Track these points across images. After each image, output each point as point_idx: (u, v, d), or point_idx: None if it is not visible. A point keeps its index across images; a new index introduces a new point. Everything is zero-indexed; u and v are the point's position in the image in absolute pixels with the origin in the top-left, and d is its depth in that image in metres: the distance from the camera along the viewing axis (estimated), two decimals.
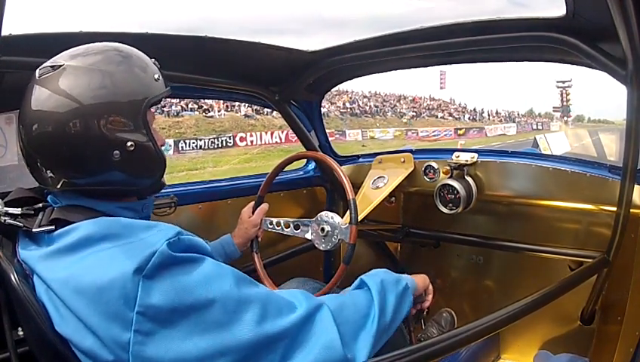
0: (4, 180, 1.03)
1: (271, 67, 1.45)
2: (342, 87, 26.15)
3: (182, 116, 20.07)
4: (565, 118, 34.13)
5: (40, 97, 0.68)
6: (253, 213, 1.31)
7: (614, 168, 1.31)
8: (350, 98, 29.10)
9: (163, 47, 0.81)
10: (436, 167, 1.54)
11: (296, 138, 1.73)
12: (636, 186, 1.17)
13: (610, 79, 1.04)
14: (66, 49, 0.73)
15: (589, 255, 1.34)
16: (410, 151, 1.64)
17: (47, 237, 0.69)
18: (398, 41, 1.29)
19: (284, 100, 1.60)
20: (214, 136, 19.44)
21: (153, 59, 0.78)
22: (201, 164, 16.15)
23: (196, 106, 20.70)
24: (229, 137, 19.78)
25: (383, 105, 30.66)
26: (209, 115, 21.02)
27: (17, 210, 0.73)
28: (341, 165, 1.47)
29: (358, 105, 28.87)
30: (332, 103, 26.96)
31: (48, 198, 0.76)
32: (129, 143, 0.71)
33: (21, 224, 0.71)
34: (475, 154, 1.48)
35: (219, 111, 21.26)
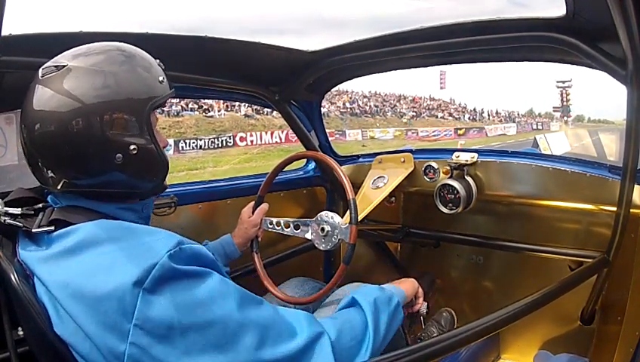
0: (4, 180, 1.03)
1: (271, 67, 1.45)
2: (342, 87, 26.17)
3: (182, 116, 20.07)
4: (565, 118, 34.12)
5: (42, 97, 0.68)
6: (253, 213, 1.31)
7: (614, 168, 1.31)
8: (350, 98, 29.10)
9: (163, 47, 0.81)
10: (436, 167, 1.54)
11: (296, 138, 1.73)
12: (636, 186, 1.17)
13: (610, 79, 1.04)
14: (66, 49, 0.73)
15: (589, 255, 1.34)
16: (410, 151, 1.64)
17: (46, 237, 0.69)
18: (398, 41, 1.29)
19: (284, 100, 1.60)
20: (214, 135, 19.43)
21: (158, 60, 0.78)
22: (201, 164, 16.15)
23: (196, 106, 20.70)
24: (229, 137, 19.77)
25: (383, 105, 30.65)
26: (209, 114, 21.02)
27: (17, 210, 0.72)
28: (341, 165, 1.47)
29: (358, 105, 28.86)
30: (332, 103, 26.96)
31: (48, 198, 0.76)
32: (132, 146, 0.70)
33: (21, 224, 0.71)
34: (475, 154, 1.48)
35: (219, 111, 21.25)
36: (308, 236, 1.25)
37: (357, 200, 1.19)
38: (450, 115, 33.73)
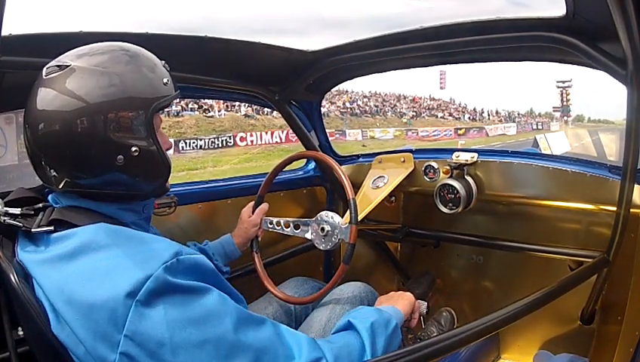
0: (4, 180, 1.04)
1: (271, 67, 1.45)
2: (342, 87, 26.17)
3: (182, 116, 20.08)
4: (565, 118, 34.11)
5: (46, 97, 0.68)
6: (253, 212, 1.31)
7: (614, 168, 1.31)
8: (350, 98, 29.10)
9: (163, 47, 0.81)
10: (436, 167, 1.54)
11: (296, 138, 1.73)
12: (636, 186, 1.17)
13: (610, 79, 1.04)
14: (67, 49, 0.73)
15: (589, 255, 1.34)
16: (410, 150, 1.64)
17: (45, 238, 0.69)
18: (398, 41, 1.29)
19: (284, 100, 1.60)
20: (214, 135, 19.44)
21: (163, 62, 0.77)
22: (201, 164, 16.15)
23: (196, 106, 20.71)
24: (229, 137, 19.78)
25: (383, 105, 30.66)
26: (209, 114, 21.02)
27: (17, 210, 0.72)
28: (341, 165, 1.47)
29: (358, 105, 28.87)
30: (332, 103, 26.96)
31: (49, 198, 0.76)
32: (133, 148, 0.70)
33: (21, 224, 0.71)
34: (475, 154, 1.48)
35: (219, 111, 21.26)
36: (308, 236, 1.25)
37: (357, 200, 1.19)
38: (450, 114, 33.73)
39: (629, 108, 1.02)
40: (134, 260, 0.61)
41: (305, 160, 1.86)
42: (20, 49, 0.90)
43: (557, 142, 14.66)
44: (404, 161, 1.60)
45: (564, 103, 33.50)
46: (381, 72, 1.57)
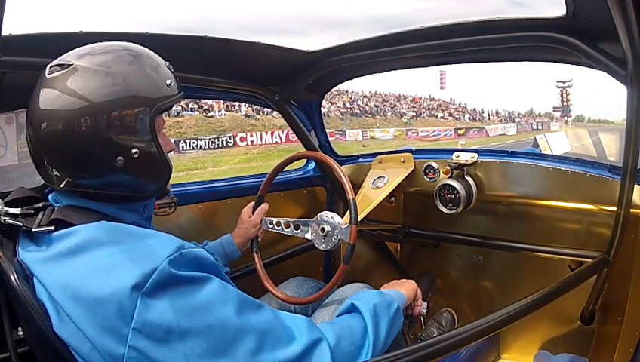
0: (4, 180, 1.03)
1: (271, 67, 1.45)
2: (342, 87, 26.15)
3: (182, 116, 20.08)
4: (565, 118, 34.11)
5: (49, 96, 0.68)
6: (253, 213, 1.31)
7: (614, 168, 1.31)
8: (350, 98, 29.10)
9: (163, 47, 0.81)
10: (436, 167, 1.54)
11: (296, 138, 1.73)
12: (636, 186, 1.17)
13: (610, 79, 1.04)
14: (67, 49, 0.73)
15: (589, 255, 1.34)
16: (410, 151, 1.64)
17: (47, 237, 0.69)
18: (398, 41, 1.29)
19: (284, 100, 1.60)
20: (215, 135, 19.45)
21: (167, 63, 0.77)
22: (201, 164, 16.15)
23: (196, 106, 20.71)
24: (230, 137, 19.79)
25: (383, 105, 30.66)
26: (209, 114, 21.02)
27: (17, 210, 0.72)
28: (341, 165, 1.47)
29: (358, 105, 28.87)
30: (332, 103, 26.97)
31: (49, 197, 0.76)
32: (133, 150, 0.70)
33: (21, 224, 0.71)
34: (475, 154, 1.48)
35: (219, 111, 21.26)
36: (308, 236, 1.25)
37: (357, 200, 1.19)
38: (451, 114, 33.74)
39: (629, 108, 1.02)
40: (138, 254, 0.62)
41: (305, 160, 1.86)
42: (20, 49, 0.89)
43: (557, 142, 14.65)
44: (404, 161, 1.60)
45: (564, 103, 33.50)
46: (381, 72, 1.57)
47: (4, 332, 0.74)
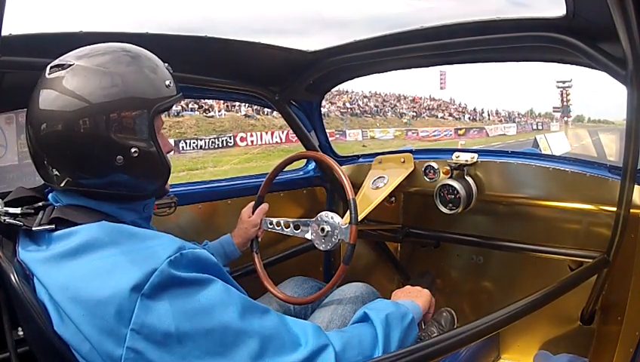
0: (4, 180, 1.03)
1: (271, 67, 1.45)
2: (342, 87, 26.14)
3: (182, 116, 20.08)
4: (565, 118, 34.10)
5: (48, 97, 0.68)
6: (253, 213, 1.31)
7: (614, 168, 1.31)
8: (350, 98, 29.10)
9: (163, 47, 0.81)
10: (436, 167, 1.54)
11: (296, 138, 1.73)
12: (636, 186, 1.17)
13: (610, 79, 1.04)
14: (67, 49, 0.73)
15: (589, 255, 1.34)
16: (410, 151, 1.64)
17: (47, 237, 0.69)
18: (399, 41, 1.29)
19: (284, 100, 1.59)
20: (215, 136, 19.45)
21: (167, 64, 0.77)
22: (201, 164, 16.16)
23: (196, 106, 20.71)
24: (230, 137, 19.79)
25: (383, 105, 30.66)
26: (209, 114, 21.03)
27: (17, 210, 0.72)
28: (341, 165, 1.47)
29: (358, 105, 28.87)
30: (332, 103, 26.97)
31: (49, 197, 0.76)
32: (133, 149, 0.70)
33: (21, 223, 0.71)
34: (475, 155, 1.48)
35: (219, 111, 21.26)
36: (308, 236, 1.25)
37: (357, 200, 1.19)
38: (451, 115, 33.74)
39: (629, 108, 1.02)
40: (138, 256, 0.61)
41: (305, 160, 1.86)
42: (20, 49, 0.90)
43: (557, 142, 14.65)
44: (404, 162, 1.60)
45: (564, 103, 33.48)
46: (381, 72, 1.57)
47: (4, 332, 0.74)
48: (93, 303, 0.59)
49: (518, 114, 38.87)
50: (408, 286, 1.05)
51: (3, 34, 0.59)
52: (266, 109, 17.30)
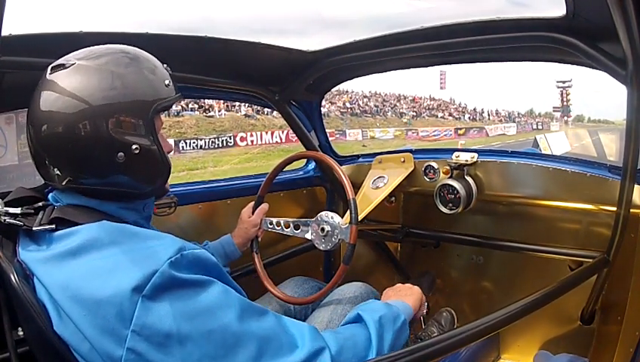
0: (4, 180, 1.03)
1: (271, 67, 1.45)
2: (342, 87, 26.17)
3: (182, 116, 20.08)
4: (565, 118, 34.11)
5: (49, 98, 0.69)
6: (253, 213, 1.31)
7: (614, 168, 1.31)
8: (350, 98, 29.10)
9: (163, 47, 0.81)
10: (436, 167, 1.54)
11: (296, 138, 1.73)
12: (636, 186, 1.17)
13: (610, 79, 1.04)
14: (66, 49, 0.73)
15: (589, 255, 1.34)
16: (410, 151, 1.64)
17: (47, 237, 0.69)
18: (398, 41, 1.29)
19: (284, 100, 1.59)
20: (215, 135, 19.44)
21: (165, 65, 0.78)
22: (201, 164, 16.15)
23: (196, 106, 20.71)
24: (230, 137, 19.78)
25: (383, 105, 30.66)
26: (209, 114, 21.03)
27: (17, 210, 0.72)
28: (341, 165, 1.47)
29: (359, 105, 28.87)
30: (332, 103, 26.96)
31: (49, 197, 0.76)
32: (134, 146, 0.71)
33: (21, 223, 0.71)
34: (475, 154, 1.48)
35: (219, 111, 21.26)
36: (308, 236, 1.25)
37: (357, 200, 1.19)
38: (451, 114, 33.74)
39: (629, 108, 1.02)
40: (139, 256, 0.62)
41: (305, 160, 1.86)
42: (20, 49, 0.90)
43: (557, 142, 14.64)
44: (404, 161, 1.60)
45: (564, 103, 33.51)
46: (381, 72, 1.57)
47: (4, 332, 0.74)
48: (93, 303, 0.59)
49: (518, 114, 38.88)
50: (399, 285, 1.06)
51: (3, 34, 0.60)
52: (266, 109, 17.31)
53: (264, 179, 1.37)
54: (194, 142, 18.40)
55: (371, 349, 0.77)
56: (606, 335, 1.42)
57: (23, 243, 0.72)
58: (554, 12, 1.02)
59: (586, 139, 15.04)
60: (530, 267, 1.59)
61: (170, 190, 1.37)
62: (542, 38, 1.09)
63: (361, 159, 1.82)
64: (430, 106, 34.09)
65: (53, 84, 0.69)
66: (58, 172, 0.70)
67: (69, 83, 0.68)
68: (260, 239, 1.33)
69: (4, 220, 0.72)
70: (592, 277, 1.30)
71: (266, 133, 20.77)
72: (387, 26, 1.28)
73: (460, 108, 35.70)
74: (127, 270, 0.60)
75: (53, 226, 0.68)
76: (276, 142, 20.46)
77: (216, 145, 19.03)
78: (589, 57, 1.05)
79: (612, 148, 10.90)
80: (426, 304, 1.09)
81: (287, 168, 1.42)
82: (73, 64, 0.69)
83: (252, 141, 20.25)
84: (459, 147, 2.34)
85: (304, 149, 1.67)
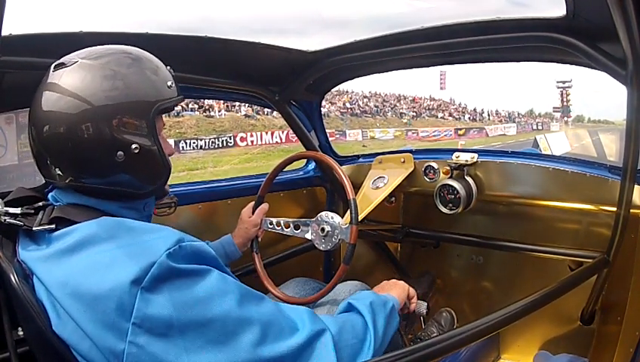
0: (4, 180, 1.03)
1: (271, 67, 1.45)
2: (342, 87, 26.13)
3: (182, 116, 20.08)
4: (565, 118, 34.12)
5: (51, 98, 0.69)
6: (253, 213, 1.31)
7: (614, 168, 1.31)
8: (350, 98, 29.10)
9: (163, 47, 0.81)
10: (436, 167, 1.54)
11: (296, 138, 1.73)
12: (636, 186, 1.17)
13: (610, 79, 1.04)
14: (66, 49, 0.73)
15: (589, 255, 1.34)
16: (410, 151, 1.64)
17: (47, 236, 0.69)
18: (399, 41, 1.29)
19: (284, 100, 1.59)
20: (215, 136, 19.45)
21: (168, 67, 0.78)
22: (201, 164, 16.16)
23: (196, 106, 20.71)
24: (230, 137, 19.79)
25: (383, 105, 30.66)
26: (209, 114, 21.03)
27: (17, 210, 0.72)
28: (341, 165, 1.47)
29: (359, 105, 28.87)
30: (332, 103, 26.97)
31: (49, 197, 0.76)
32: (134, 145, 0.71)
33: (21, 223, 0.71)
34: (475, 155, 1.48)
35: (219, 111, 21.26)
36: (308, 236, 1.25)
37: (357, 200, 1.19)
38: (451, 115, 33.74)
39: (629, 109, 1.02)
40: (137, 249, 0.62)
41: (305, 160, 1.86)
42: (20, 49, 0.90)
43: (557, 142, 14.64)
44: (404, 162, 1.60)
45: (564, 103, 33.50)
46: (382, 72, 1.57)
47: (4, 332, 0.74)
48: (93, 298, 0.59)
49: (518, 114, 38.89)
50: (384, 282, 1.07)
51: (3, 34, 0.60)
52: (266, 109, 17.31)
53: (264, 179, 1.37)
54: (194, 143, 18.41)
55: (368, 332, 0.78)
56: (606, 335, 1.42)
57: (22, 243, 0.72)
58: (554, 12, 1.02)
59: (586, 139, 15.05)
60: (530, 267, 1.59)
61: (170, 190, 1.37)
62: (542, 38, 1.09)
63: (361, 159, 1.82)
64: (430, 106, 34.09)
65: (55, 83, 0.69)
66: (60, 171, 0.71)
67: (71, 82, 0.68)
68: (260, 239, 1.33)
69: (4, 220, 0.72)
70: (592, 278, 1.30)
71: (266, 133, 20.77)
72: (387, 26, 1.29)
73: (460, 109, 35.71)
74: (125, 263, 0.60)
75: (53, 226, 0.68)
76: (276, 142, 20.46)
77: (216, 146, 19.04)
78: (589, 57, 1.05)
79: (612, 149, 10.91)
80: (426, 304, 1.09)
81: (287, 168, 1.42)
82: (76, 62, 0.70)
83: (252, 141, 20.25)
84: (459, 147, 2.34)
85: (304, 149, 1.67)
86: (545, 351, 1.57)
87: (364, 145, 21.18)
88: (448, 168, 1.50)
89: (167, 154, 0.78)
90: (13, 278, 0.67)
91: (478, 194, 1.47)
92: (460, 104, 36.58)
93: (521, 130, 32.03)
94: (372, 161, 1.67)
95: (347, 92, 29.48)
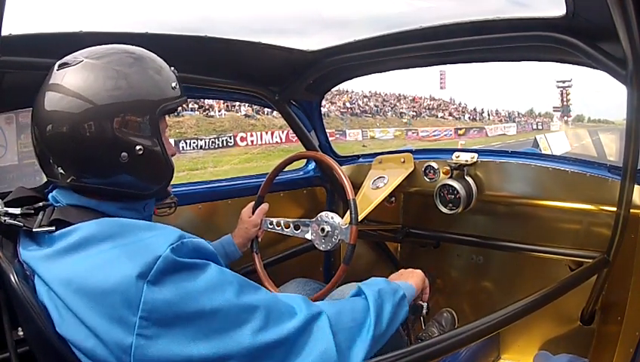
0: (4, 180, 1.03)
1: (271, 67, 1.45)
2: (342, 87, 26.18)
3: (182, 116, 20.08)
4: (565, 118, 34.12)
5: (53, 98, 0.69)
6: (253, 213, 1.31)
7: (614, 168, 1.31)
8: (350, 98, 29.11)
9: (163, 47, 0.81)
10: (436, 167, 1.54)
11: (296, 138, 1.73)
12: (636, 186, 1.17)
13: (610, 79, 1.04)
14: (67, 49, 0.73)
15: (589, 255, 1.34)
16: (410, 151, 1.64)
17: (47, 237, 0.69)
18: (398, 41, 1.29)
19: (284, 100, 1.59)
20: (215, 135, 19.46)
21: (172, 68, 0.78)
22: (201, 164, 16.16)
23: (197, 106, 20.72)
24: (230, 137, 19.80)
25: (383, 105, 30.66)
26: (209, 114, 21.03)
27: (17, 210, 0.72)
28: (341, 165, 1.47)
29: (358, 105, 28.87)
30: (332, 103, 26.97)
31: (49, 197, 0.76)
32: (138, 147, 0.71)
33: (21, 224, 0.71)
34: (475, 155, 1.48)
35: (219, 111, 21.27)
36: (308, 236, 1.25)
37: (357, 200, 1.19)
38: (451, 114, 33.75)
39: (629, 108, 1.02)
40: (141, 246, 0.62)
41: (305, 160, 1.86)
42: (20, 49, 0.90)
43: (557, 142, 14.65)
44: (404, 162, 1.60)
45: (564, 103, 33.52)
46: (381, 71, 1.57)
47: (4, 332, 0.74)
48: (99, 293, 0.60)
49: (518, 114, 38.87)
50: (402, 270, 1.06)
51: (3, 34, 0.60)
52: (266, 109, 17.32)
53: (264, 179, 1.37)
54: (194, 142, 18.42)
55: (369, 316, 0.78)
56: (606, 335, 1.42)
57: (23, 243, 0.72)
58: (554, 12, 1.02)
59: (586, 139, 15.06)
60: (530, 267, 1.59)
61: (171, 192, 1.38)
62: (542, 38, 1.09)
63: (361, 159, 1.82)
64: (430, 106, 34.10)
65: (58, 82, 0.69)
66: (62, 171, 0.71)
67: (74, 81, 0.68)
68: (260, 239, 1.33)
69: (5, 221, 0.72)
70: (592, 278, 1.30)
71: (266, 133, 20.78)
72: (387, 26, 1.28)
73: (460, 108, 35.71)
74: (131, 259, 0.61)
75: (53, 228, 0.68)
76: (276, 142, 20.47)
77: (216, 146, 19.05)
78: (589, 57, 1.05)
79: (612, 148, 10.91)
80: (426, 304, 1.09)
81: (287, 168, 1.42)
82: (80, 62, 0.70)
83: (252, 141, 20.26)
84: (459, 147, 2.34)
85: (304, 149, 1.67)
86: (545, 351, 1.57)
87: (364, 145, 21.19)
88: (448, 168, 1.50)
89: (170, 155, 0.78)
90: (14, 278, 0.67)
91: (478, 194, 1.47)
92: (459, 104, 36.59)
93: (521, 130, 32.03)
94: (372, 161, 1.67)
95: (347, 92, 29.49)
